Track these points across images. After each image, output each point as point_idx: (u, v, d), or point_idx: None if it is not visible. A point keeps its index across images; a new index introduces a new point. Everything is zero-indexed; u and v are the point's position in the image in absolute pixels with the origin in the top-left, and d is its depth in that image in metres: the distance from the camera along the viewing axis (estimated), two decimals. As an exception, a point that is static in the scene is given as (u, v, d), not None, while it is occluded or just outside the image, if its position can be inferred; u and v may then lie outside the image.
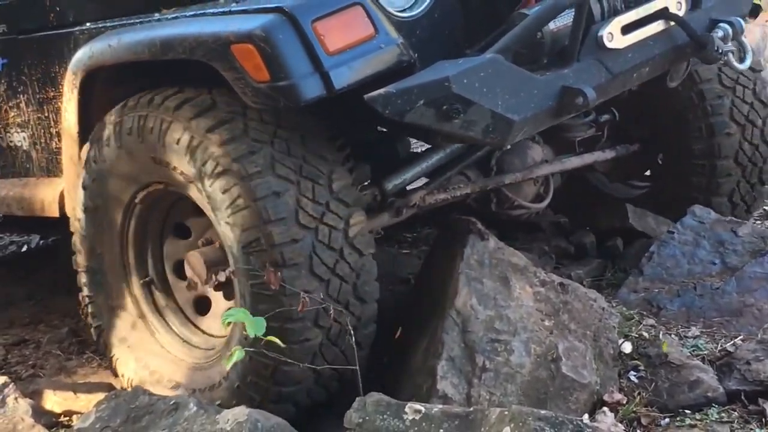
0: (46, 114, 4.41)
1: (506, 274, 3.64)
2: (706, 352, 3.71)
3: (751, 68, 4.54)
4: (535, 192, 4.46)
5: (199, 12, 3.59)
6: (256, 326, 3.14)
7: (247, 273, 3.43)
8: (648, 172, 5.05)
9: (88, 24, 4.10)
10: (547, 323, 3.53)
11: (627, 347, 3.64)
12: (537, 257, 4.59)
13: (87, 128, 4.00)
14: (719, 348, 3.73)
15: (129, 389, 3.71)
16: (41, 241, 6.70)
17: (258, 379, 3.52)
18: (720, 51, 3.78)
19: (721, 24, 3.80)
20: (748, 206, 4.73)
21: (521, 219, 4.46)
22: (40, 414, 3.90)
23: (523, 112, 3.33)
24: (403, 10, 3.67)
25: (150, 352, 3.99)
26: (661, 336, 3.71)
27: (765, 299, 4.03)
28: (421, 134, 3.89)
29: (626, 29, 3.64)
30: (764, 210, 5.40)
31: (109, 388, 4.02)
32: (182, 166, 3.55)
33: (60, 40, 4.21)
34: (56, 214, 4.37)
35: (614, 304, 4.00)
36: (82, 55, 3.92)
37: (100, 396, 3.59)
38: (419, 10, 3.70)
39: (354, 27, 3.35)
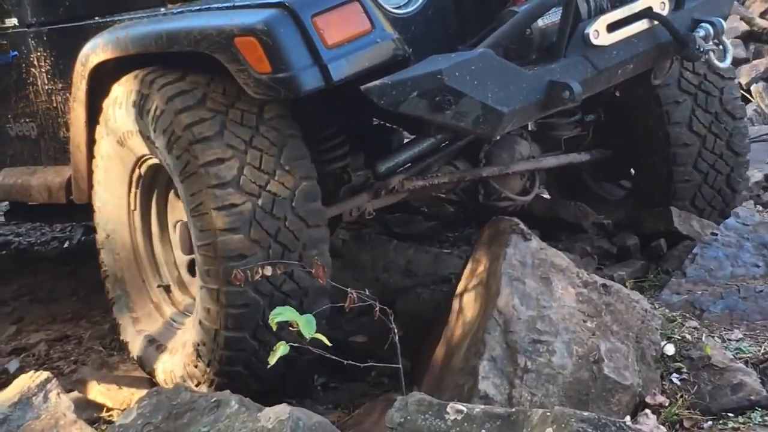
0: (55, 105, 4.55)
1: (548, 274, 3.63)
2: (749, 355, 3.67)
3: (719, 75, 4.60)
4: (521, 185, 4.65)
5: (203, 6, 3.74)
6: (307, 326, 3.16)
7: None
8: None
9: (96, 18, 4.22)
10: (589, 324, 3.52)
11: (669, 349, 3.61)
12: (579, 258, 4.59)
13: (94, 118, 4.12)
14: (762, 351, 3.69)
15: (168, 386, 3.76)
16: (83, 237, 6.75)
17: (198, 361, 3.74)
18: (701, 50, 3.89)
19: (703, 24, 3.92)
20: (720, 211, 4.74)
21: (507, 210, 4.56)
22: (82, 409, 3.92)
23: (512, 104, 3.47)
24: (399, 7, 3.80)
25: (173, 341, 4.10)
26: (703, 338, 3.68)
27: (809, 302, 4.00)
28: (413, 125, 4.01)
29: (612, 27, 3.77)
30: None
31: (151, 383, 4.04)
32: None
33: (69, 33, 4.35)
34: (63, 200, 4.53)
35: (657, 306, 3.97)
36: (91, 47, 4.05)
37: (143, 391, 3.61)
38: (414, 7, 3.84)
39: (352, 22, 3.49)
